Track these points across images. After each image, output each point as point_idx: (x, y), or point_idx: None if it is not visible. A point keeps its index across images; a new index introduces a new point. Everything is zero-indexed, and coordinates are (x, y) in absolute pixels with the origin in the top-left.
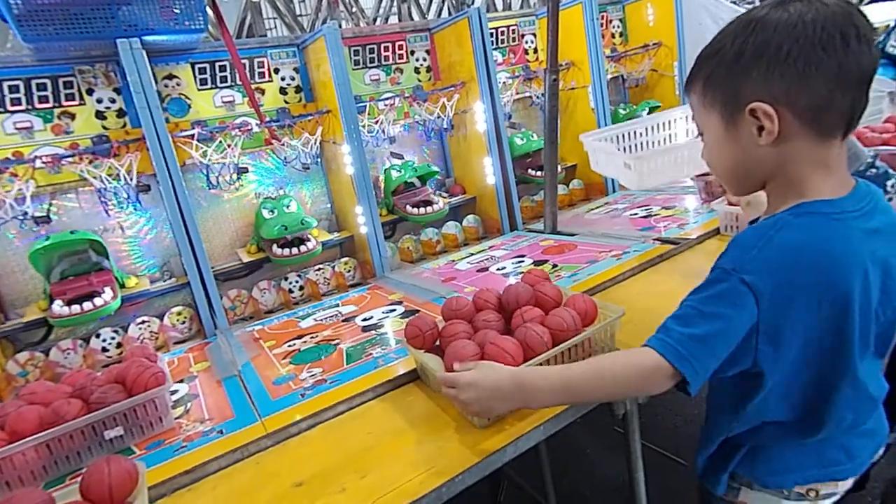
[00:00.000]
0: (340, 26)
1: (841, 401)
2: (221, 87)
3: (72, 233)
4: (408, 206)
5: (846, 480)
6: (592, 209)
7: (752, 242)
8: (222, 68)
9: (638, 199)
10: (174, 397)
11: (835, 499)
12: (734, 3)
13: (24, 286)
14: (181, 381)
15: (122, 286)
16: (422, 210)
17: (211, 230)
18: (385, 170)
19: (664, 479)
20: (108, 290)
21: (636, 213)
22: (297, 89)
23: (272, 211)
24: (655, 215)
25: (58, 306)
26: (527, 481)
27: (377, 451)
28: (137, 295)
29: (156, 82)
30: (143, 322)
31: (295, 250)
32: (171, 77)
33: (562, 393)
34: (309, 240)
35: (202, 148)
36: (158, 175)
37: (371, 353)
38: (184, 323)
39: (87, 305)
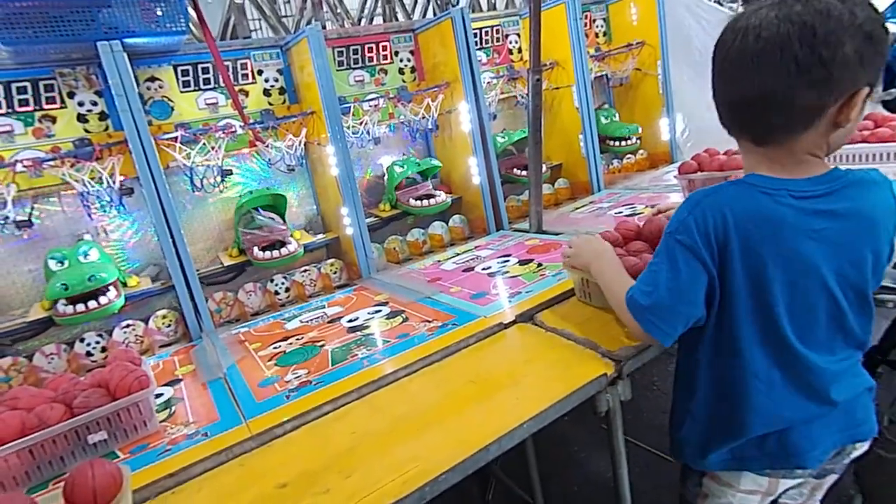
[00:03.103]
0: (325, 27)
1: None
2: (205, 90)
3: None
4: (411, 200)
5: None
6: (578, 208)
7: (688, 206)
8: (205, 70)
9: (623, 198)
10: (159, 401)
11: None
12: (717, 2)
13: (8, 290)
14: (166, 384)
15: (125, 285)
16: (425, 203)
17: (196, 232)
18: (388, 167)
19: (652, 476)
20: (112, 288)
21: (621, 212)
22: (281, 91)
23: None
24: (640, 213)
25: (62, 305)
26: (515, 480)
27: (361, 451)
28: (128, 297)
29: (138, 85)
30: (129, 326)
31: (276, 253)
32: (153, 79)
33: (602, 284)
34: (290, 242)
35: (186, 150)
36: (141, 178)
37: (356, 354)
38: (169, 326)
39: (91, 304)
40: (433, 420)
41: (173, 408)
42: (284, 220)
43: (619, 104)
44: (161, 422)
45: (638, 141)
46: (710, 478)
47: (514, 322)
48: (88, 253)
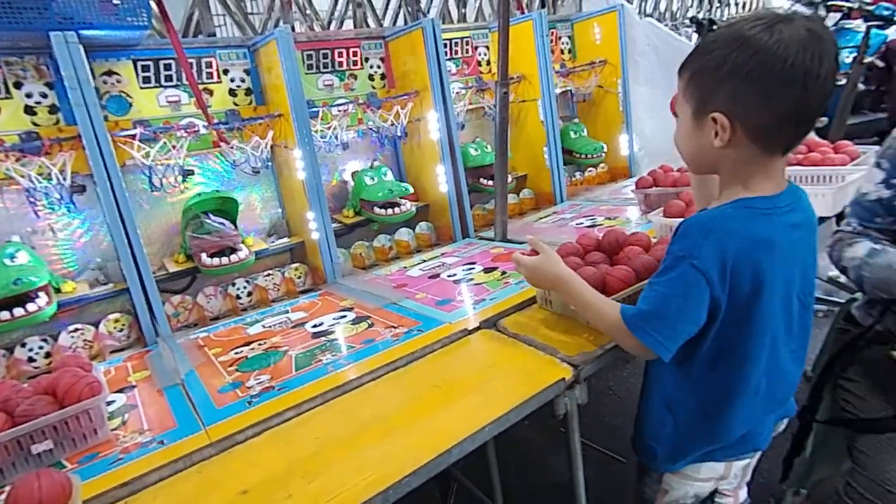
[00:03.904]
0: (294, 29)
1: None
2: (166, 86)
3: None
4: (375, 208)
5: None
6: (541, 218)
7: (700, 231)
8: (167, 66)
9: (584, 209)
10: (110, 408)
11: None
12: (674, 28)
13: None
14: (118, 391)
15: (58, 291)
16: (389, 211)
17: (153, 233)
18: (354, 173)
19: (606, 476)
20: (42, 294)
21: (582, 223)
22: (248, 91)
23: None
24: (599, 225)
25: None
26: (475, 483)
27: (325, 456)
28: (72, 301)
29: (94, 78)
30: (77, 330)
31: (225, 259)
32: (110, 73)
33: (579, 306)
34: (241, 249)
35: (145, 148)
36: (96, 175)
37: (321, 360)
38: (122, 331)
39: (18, 311)
40: (397, 424)
41: (126, 415)
42: (236, 226)
43: (582, 119)
44: (113, 430)
45: (603, 155)
46: (670, 474)
47: (478, 328)
48: (15, 255)
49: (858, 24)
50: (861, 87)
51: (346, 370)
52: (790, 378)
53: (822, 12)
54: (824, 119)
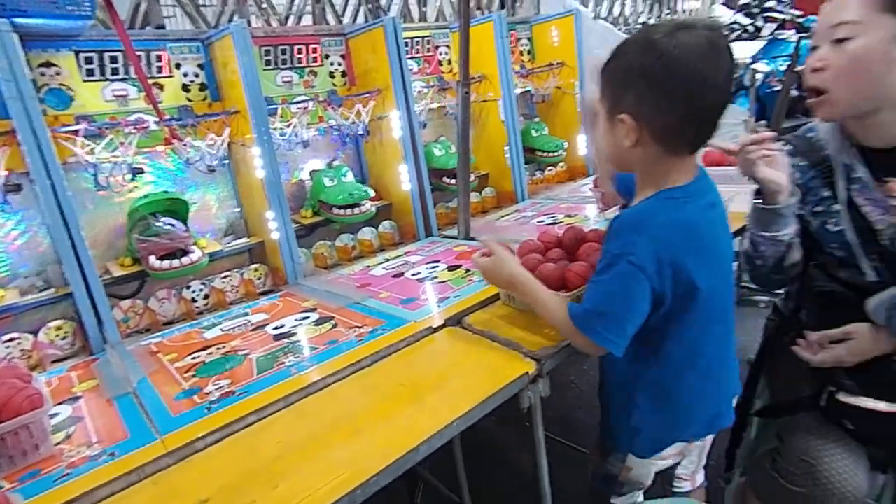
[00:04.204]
0: (250, 23)
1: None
2: (112, 80)
3: None
4: (334, 209)
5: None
6: (504, 216)
7: (632, 228)
8: (113, 59)
9: (545, 208)
10: (53, 421)
11: None
12: (628, 33)
13: None
14: (62, 402)
15: None
16: (349, 211)
17: (98, 235)
18: (314, 172)
19: (569, 466)
20: None
21: (543, 220)
22: (202, 87)
23: None
24: (560, 222)
25: None
26: (442, 481)
27: (289, 460)
28: (6, 309)
29: (30, 70)
30: (13, 339)
31: (176, 262)
32: (48, 65)
33: (532, 303)
34: (193, 251)
35: (89, 145)
36: (34, 173)
37: (283, 362)
38: (64, 339)
39: None
40: (363, 425)
41: (72, 428)
42: (187, 227)
43: (542, 119)
44: (57, 444)
45: (563, 153)
46: (634, 455)
47: (442, 326)
48: None
49: (791, 35)
50: (794, 93)
51: (310, 372)
52: (733, 354)
53: (759, 23)
54: (763, 122)
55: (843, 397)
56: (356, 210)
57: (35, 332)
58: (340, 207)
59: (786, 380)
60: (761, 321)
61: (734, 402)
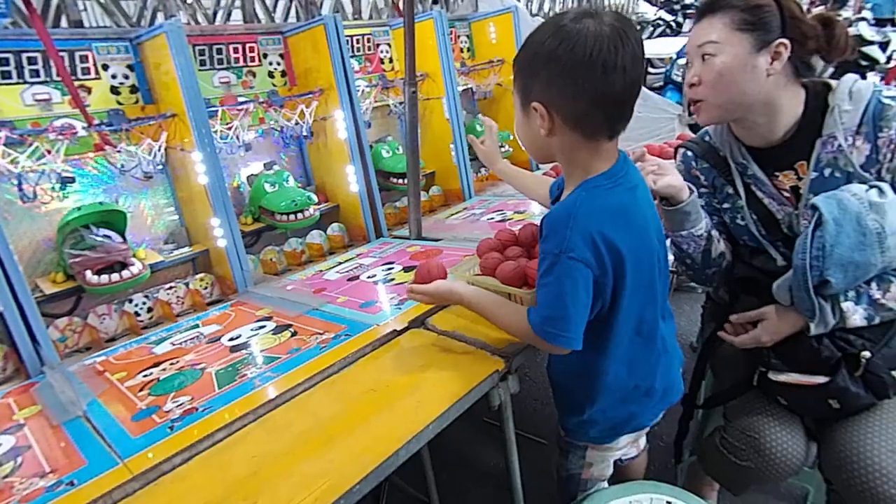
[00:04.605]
0: (172, 16)
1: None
2: (32, 83)
3: None
4: (277, 215)
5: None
6: (452, 214)
7: (564, 224)
8: (32, 60)
9: (493, 204)
10: None
11: None
12: None
13: None
14: (3, 432)
15: None
16: (291, 217)
17: (24, 250)
18: (252, 177)
19: (531, 460)
20: None
21: (493, 217)
22: (133, 89)
23: None
24: (510, 219)
25: None
26: (407, 482)
27: (265, 475)
28: None
29: None
30: None
31: (116, 276)
32: None
33: (488, 318)
34: (132, 263)
35: (11, 154)
36: None
37: (245, 374)
38: None
39: None
40: (337, 433)
41: (18, 458)
42: (124, 238)
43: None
44: (4, 478)
45: (510, 149)
46: (592, 449)
47: (406, 328)
48: None
49: None
50: None
51: (276, 382)
52: (672, 328)
53: (680, 18)
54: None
55: (773, 375)
56: (300, 216)
57: None
58: (284, 213)
59: (726, 363)
60: (698, 306)
61: (680, 375)
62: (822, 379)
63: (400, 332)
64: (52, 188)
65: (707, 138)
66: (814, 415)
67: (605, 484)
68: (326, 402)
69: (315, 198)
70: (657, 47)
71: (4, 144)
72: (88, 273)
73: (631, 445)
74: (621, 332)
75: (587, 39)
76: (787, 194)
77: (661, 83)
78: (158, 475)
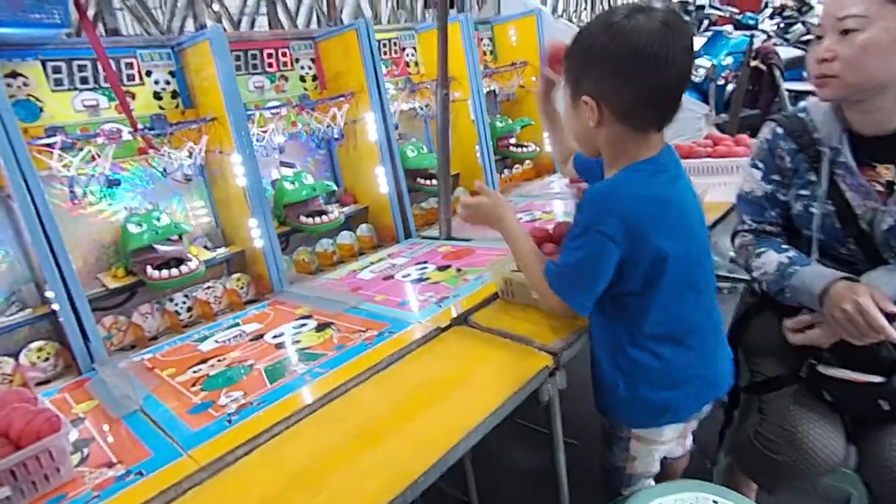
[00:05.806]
0: (204, 26)
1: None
2: (81, 89)
3: None
4: (301, 217)
5: None
6: None
7: (601, 199)
8: (82, 67)
9: (519, 205)
10: None
11: None
12: None
13: None
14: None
15: None
16: (317, 220)
17: (73, 251)
18: (277, 181)
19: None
20: None
21: (521, 217)
22: (174, 94)
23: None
24: (538, 219)
25: None
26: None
27: (325, 467)
28: None
29: None
30: None
31: (175, 271)
32: (14, 75)
33: (513, 253)
34: (190, 259)
35: (65, 158)
36: (12, 189)
37: (295, 370)
38: (47, 360)
39: None
40: (391, 427)
41: (85, 450)
42: (180, 237)
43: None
44: (75, 467)
45: (537, 148)
46: (636, 440)
47: (450, 325)
48: None
49: (730, 30)
50: (730, 87)
51: (326, 377)
52: (717, 322)
53: (695, 21)
54: (724, 115)
55: (823, 369)
56: (324, 218)
57: (15, 355)
58: (308, 216)
59: (765, 355)
60: (723, 307)
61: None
62: (877, 378)
63: (444, 330)
64: (100, 190)
65: (802, 115)
66: (859, 414)
67: (652, 482)
68: (377, 398)
69: (333, 185)
70: None
71: (60, 149)
72: (149, 268)
73: (677, 443)
74: (652, 317)
75: (640, 35)
76: (878, 188)
77: None
78: (223, 466)
